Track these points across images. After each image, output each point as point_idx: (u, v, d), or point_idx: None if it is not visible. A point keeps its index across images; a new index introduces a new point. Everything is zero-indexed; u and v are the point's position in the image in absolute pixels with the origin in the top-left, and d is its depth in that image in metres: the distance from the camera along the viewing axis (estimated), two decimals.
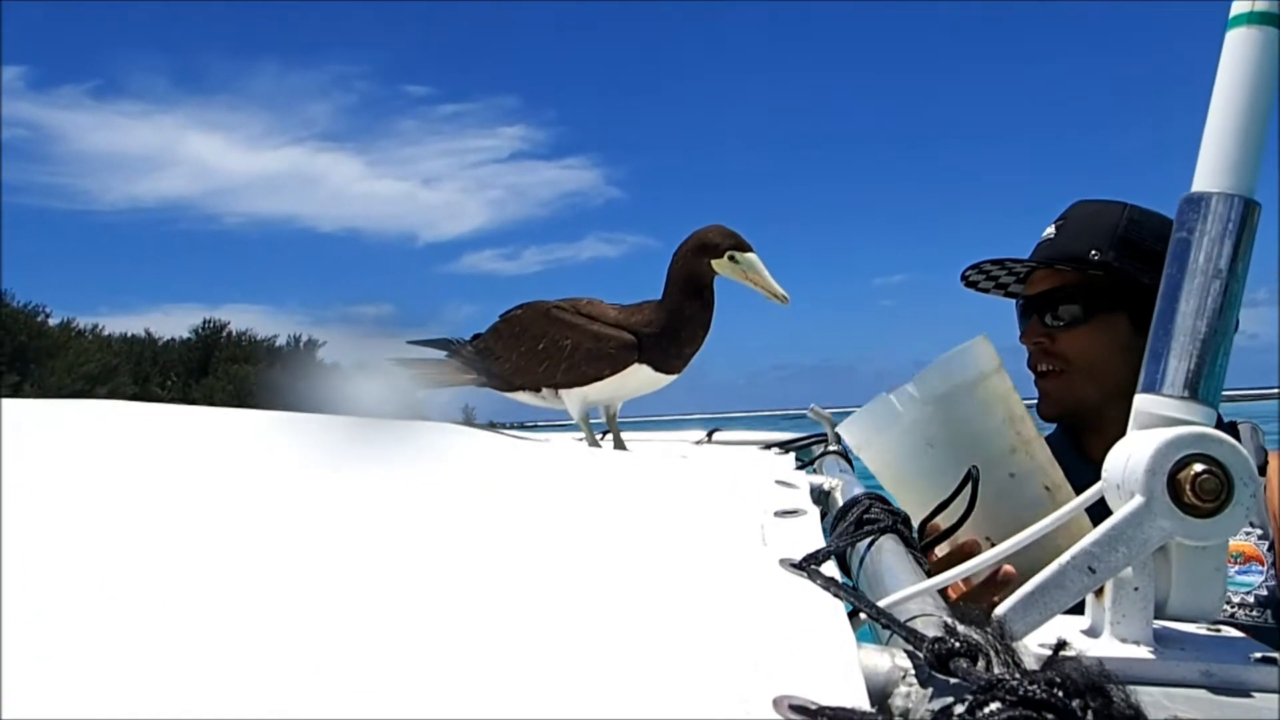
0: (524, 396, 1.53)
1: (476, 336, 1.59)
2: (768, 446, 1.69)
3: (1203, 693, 0.48)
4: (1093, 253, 1.28)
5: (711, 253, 1.39)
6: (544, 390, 1.49)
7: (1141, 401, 0.56)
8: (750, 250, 1.38)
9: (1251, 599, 1.18)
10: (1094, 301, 1.29)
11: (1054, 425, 1.41)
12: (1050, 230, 1.35)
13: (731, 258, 1.38)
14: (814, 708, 0.35)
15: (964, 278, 1.42)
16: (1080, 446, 1.35)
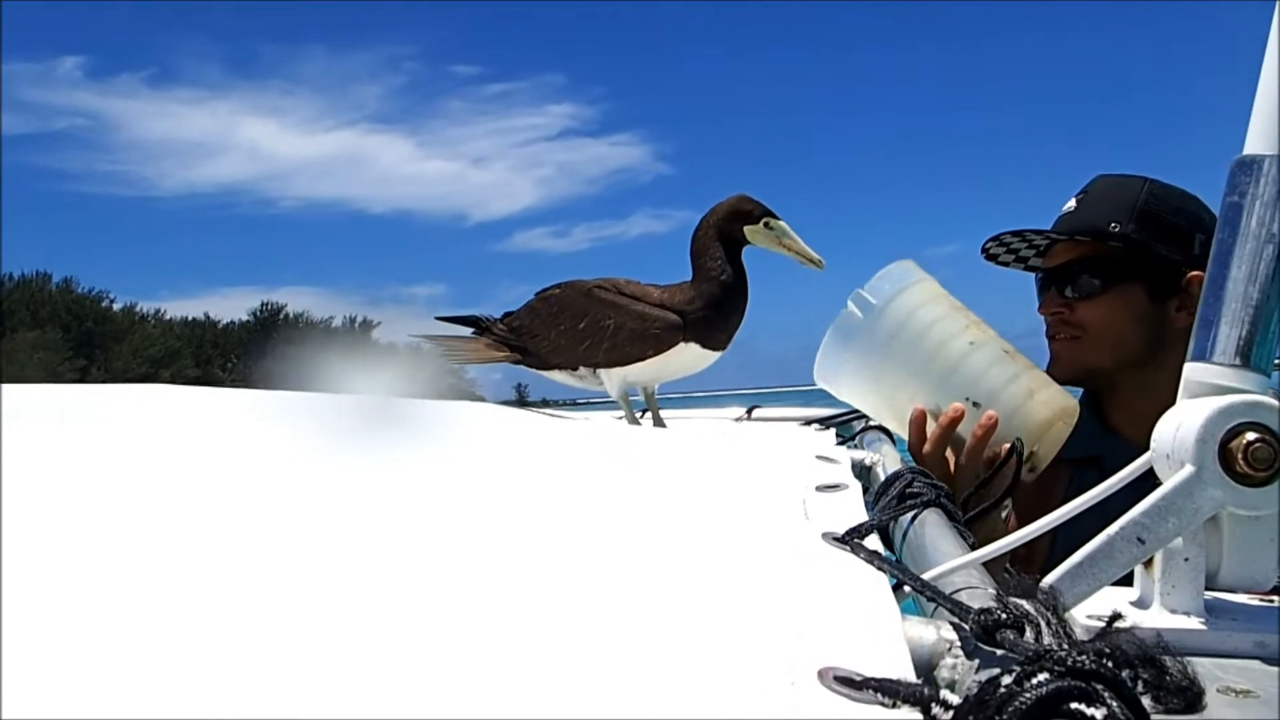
0: (560, 376, 1.52)
1: (508, 314, 1.58)
2: (808, 423, 1.69)
3: (1256, 664, 0.47)
4: (1113, 225, 1.29)
5: (745, 219, 1.38)
6: (581, 370, 1.48)
7: (1191, 370, 0.55)
8: (779, 218, 1.38)
9: None
10: (1112, 273, 1.30)
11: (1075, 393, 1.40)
12: (1071, 203, 1.36)
13: (766, 224, 1.37)
14: (859, 679, 0.35)
15: (984, 250, 1.42)
16: (1101, 418, 1.36)
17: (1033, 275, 1.42)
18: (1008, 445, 1.15)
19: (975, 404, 1.17)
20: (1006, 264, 1.42)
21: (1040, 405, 1.18)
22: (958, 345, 1.19)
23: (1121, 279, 1.29)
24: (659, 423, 1.50)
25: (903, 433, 1.23)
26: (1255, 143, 0.56)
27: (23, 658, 0.30)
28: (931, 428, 1.18)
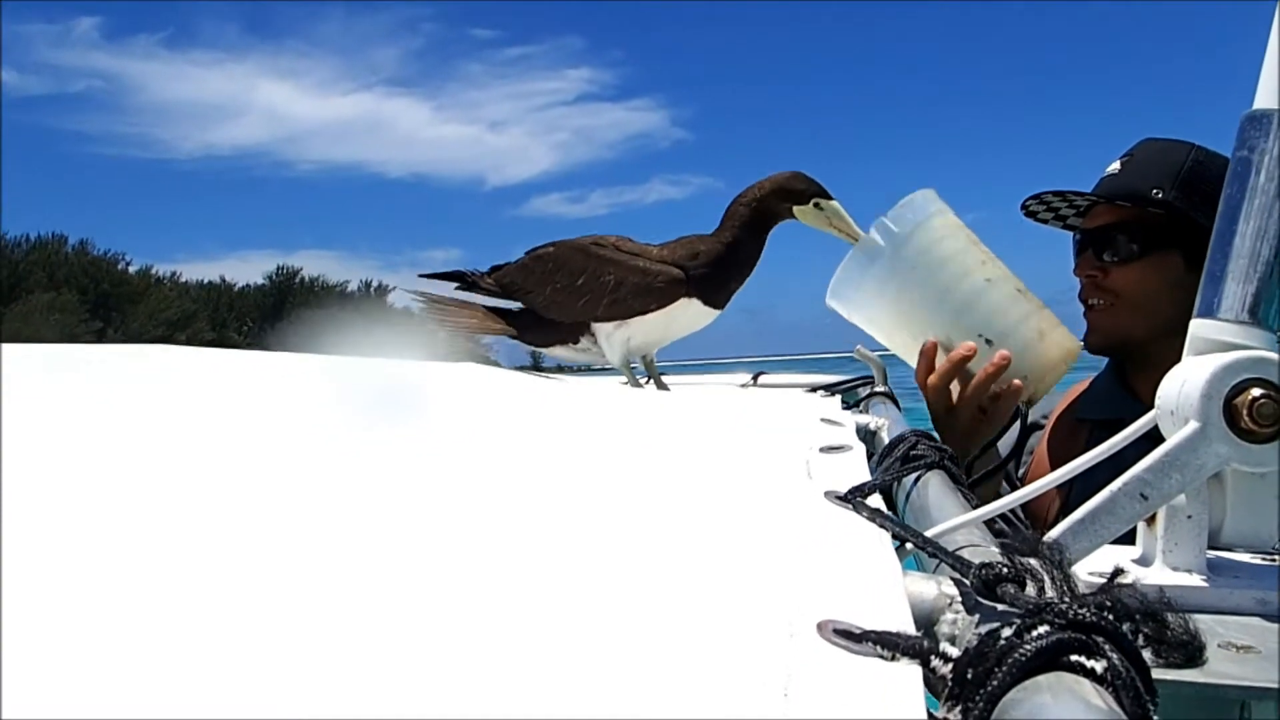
0: (559, 350, 1.51)
1: (495, 269, 1.55)
2: (814, 389, 1.68)
3: (1257, 620, 0.47)
4: (1155, 191, 1.27)
5: (796, 198, 1.37)
6: (582, 340, 1.47)
7: (1197, 326, 0.55)
8: (832, 198, 1.37)
9: None
10: (1151, 239, 1.28)
11: (1103, 361, 1.40)
12: (1115, 166, 1.34)
13: (816, 204, 1.36)
14: (858, 632, 0.35)
15: (1024, 207, 1.41)
16: (1128, 383, 1.35)
17: (1069, 236, 1.40)
18: (1015, 382, 1.17)
19: (988, 341, 1.20)
20: (1045, 221, 1.40)
21: (1051, 346, 1.20)
22: (974, 280, 1.21)
23: (1160, 246, 1.28)
24: (662, 387, 1.50)
25: (910, 360, 1.25)
26: (1265, 97, 0.55)
27: (22, 632, 0.30)
28: (941, 360, 1.20)
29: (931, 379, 1.21)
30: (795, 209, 1.38)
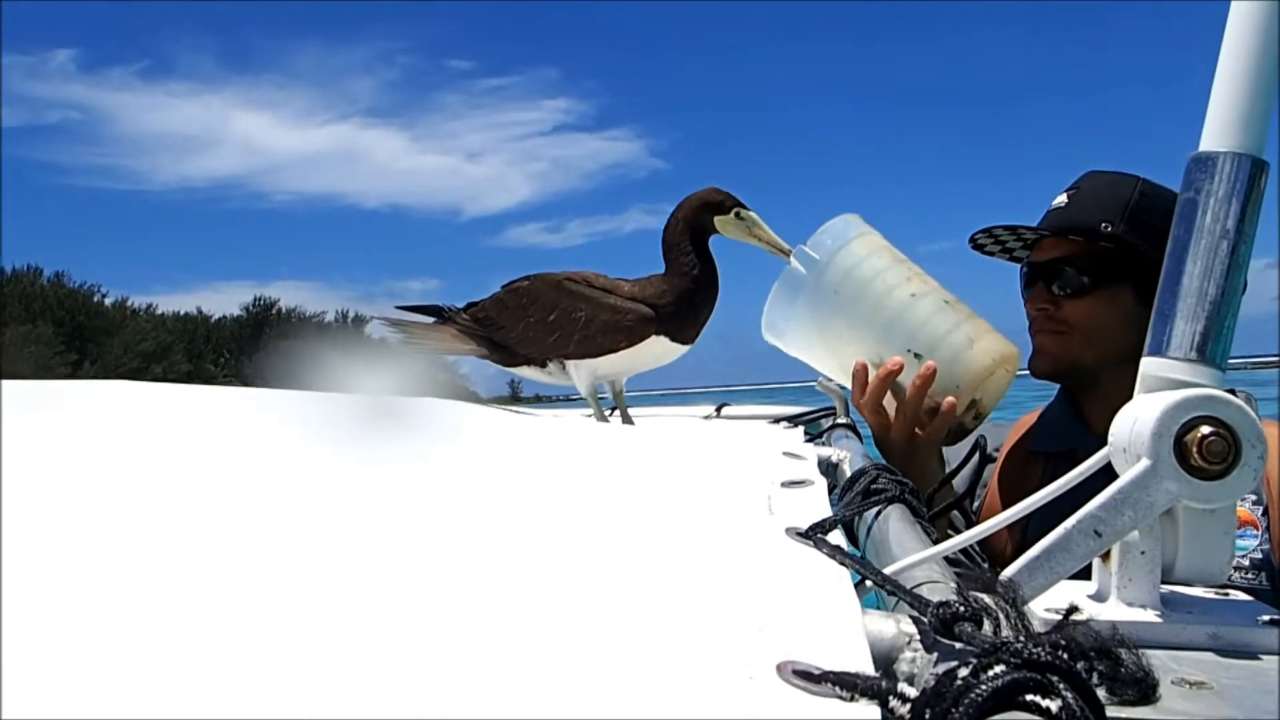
0: (528, 371, 1.51)
1: (472, 304, 1.56)
2: (776, 420, 1.69)
3: (1210, 655, 0.48)
4: (1104, 225, 1.28)
5: (716, 210, 1.39)
6: (550, 365, 1.48)
7: (1148, 365, 0.56)
8: (749, 209, 1.39)
9: (1246, 562, 1.21)
10: (1101, 272, 1.29)
11: (1052, 390, 1.42)
12: (1062, 199, 1.35)
13: (737, 214, 1.37)
14: (818, 673, 0.35)
15: (972, 240, 1.42)
16: (1080, 414, 1.36)
17: (1018, 268, 1.42)
18: (949, 399, 1.17)
19: (916, 355, 1.21)
20: (992, 254, 1.42)
21: (980, 353, 1.21)
22: (898, 296, 1.22)
23: (1110, 279, 1.29)
24: (627, 420, 1.50)
25: (847, 382, 1.26)
26: (1210, 139, 0.57)
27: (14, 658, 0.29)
28: (873, 379, 1.21)
29: (864, 399, 1.22)
30: (716, 220, 1.39)
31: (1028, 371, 1.36)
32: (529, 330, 1.46)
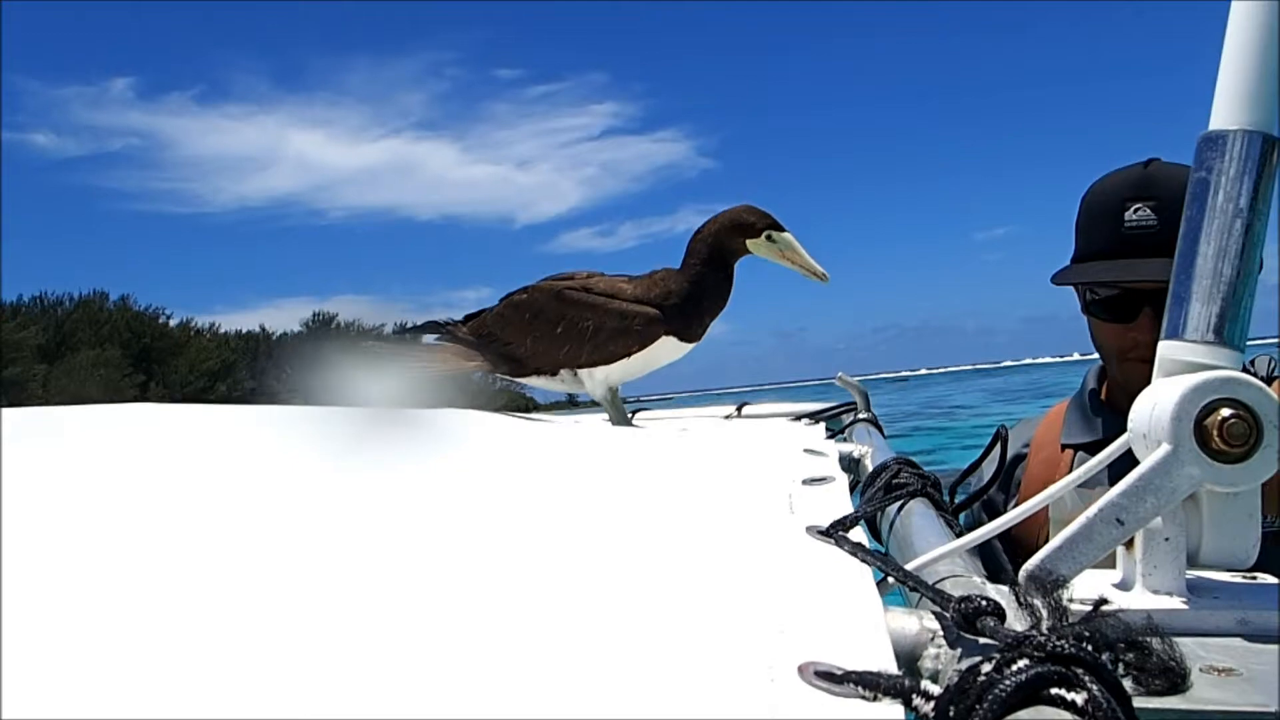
0: (538, 380, 1.51)
1: (470, 318, 1.54)
2: (797, 418, 1.69)
3: (1238, 641, 0.47)
4: None
5: (747, 232, 1.37)
6: (562, 373, 1.47)
7: (1165, 349, 0.55)
8: (785, 230, 1.37)
9: None
10: None
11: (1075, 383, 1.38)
12: (1148, 214, 1.17)
13: (769, 237, 1.37)
14: (840, 673, 0.35)
15: (1060, 281, 1.27)
16: (1114, 404, 1.31)
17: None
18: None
19: None
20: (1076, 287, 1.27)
21: None
22: None
23: None
24: (624, 421, 1.50)
25: None
26: (1220, 118, 0.56)
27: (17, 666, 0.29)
28: None
29: None
30: (748, 242, 1.38)
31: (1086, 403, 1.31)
32: (538, 345, 1.45)
